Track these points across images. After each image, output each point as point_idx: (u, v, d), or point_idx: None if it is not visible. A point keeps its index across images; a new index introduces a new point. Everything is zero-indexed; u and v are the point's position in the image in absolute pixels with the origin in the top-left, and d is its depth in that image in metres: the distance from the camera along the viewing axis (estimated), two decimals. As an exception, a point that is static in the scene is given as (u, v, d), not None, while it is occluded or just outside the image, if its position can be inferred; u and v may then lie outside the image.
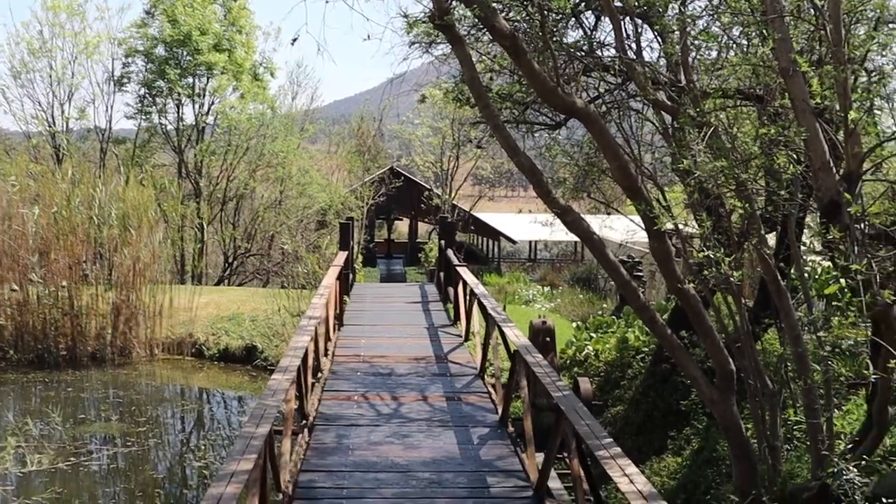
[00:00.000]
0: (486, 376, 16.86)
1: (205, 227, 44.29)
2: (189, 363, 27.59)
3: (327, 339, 18.65)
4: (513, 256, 66.10)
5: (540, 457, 11.31)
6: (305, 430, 13.20)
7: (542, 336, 14.32)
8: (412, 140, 53.20)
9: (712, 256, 8.24)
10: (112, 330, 27.73)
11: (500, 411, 14.18)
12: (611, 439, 8.83)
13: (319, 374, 16.41)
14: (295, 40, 9.97)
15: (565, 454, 12.33)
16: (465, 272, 22.50)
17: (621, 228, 13.42)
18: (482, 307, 18.07)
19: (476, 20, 10.40)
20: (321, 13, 10.64)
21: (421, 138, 51.17)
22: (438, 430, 13.57)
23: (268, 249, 46.18)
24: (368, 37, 10.40)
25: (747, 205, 8.49)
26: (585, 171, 11.22)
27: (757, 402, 9.69)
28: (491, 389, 15.81)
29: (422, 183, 54.41)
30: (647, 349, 16.52)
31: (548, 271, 54.77)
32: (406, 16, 11.03)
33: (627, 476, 7.65)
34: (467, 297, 21.46)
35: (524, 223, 64.65)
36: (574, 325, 23.42)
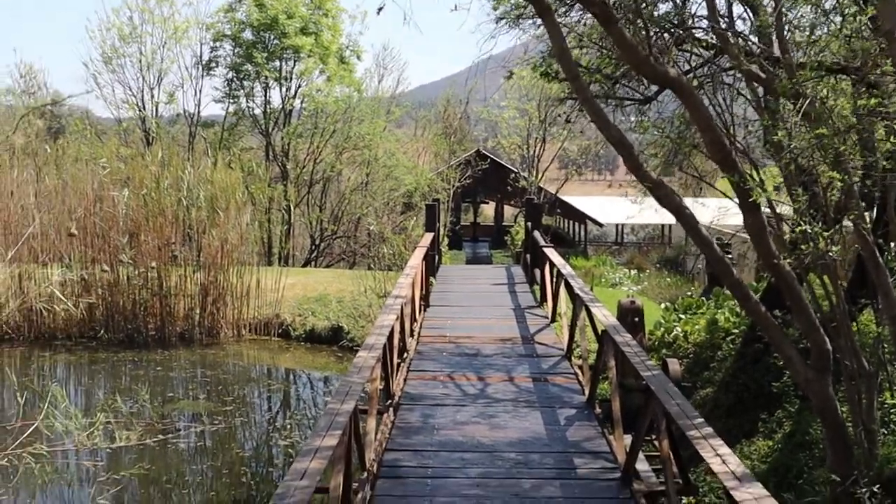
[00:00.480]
0: (572, 358, 16.76)
1: (292, 209, 44.59)
2: (276, 344, 27.75)
3: (413, 319, 18.59)
4: (599, 240, 65.57)
5: (628, 438, 11.17)
6: (391, 409, 13.17)
7: (630, 316, 14.08)
8: (498, 122, 53.00)
9: (809, 231, 7.95)
10: (200, 310, 27.99)
11: (587, 392, 14.08)
12: (702, 419, 8.62)
13: (405, 354, 16.38)
14: (381, 9, 9.83)
15: (653, 436, 12.23)
16: (551, 253, 22.29)
17: (711, 207, 13.18)
18: (569, 287, 17.93)
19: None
20: (407, -13, 10.49)
21: (507, 120, 50.93)
22: (525, 410, 13.47)
23: (354, 232, 46.34)
24: (455, 7, 10.27)
25: (846, 177, 8.18)
26: (677, 145, 10.94)
27: (853, 384, 9.42)
28: (578, 371, 15.72)
29: (508, 165, 54.22)
30: (737, 331, 16.17)
31: (634, 254, 54.28)
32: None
33: (720, 456, 7.43)
34: (554, 279, 21.33)
35: (611, 206, 64.22)
36: (662, 306, 23.09)
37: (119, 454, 17.00)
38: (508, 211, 64.97)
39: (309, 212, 46.40)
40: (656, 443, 12.11)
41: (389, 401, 13.42)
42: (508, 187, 49.29)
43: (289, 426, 20.17)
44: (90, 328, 27.61)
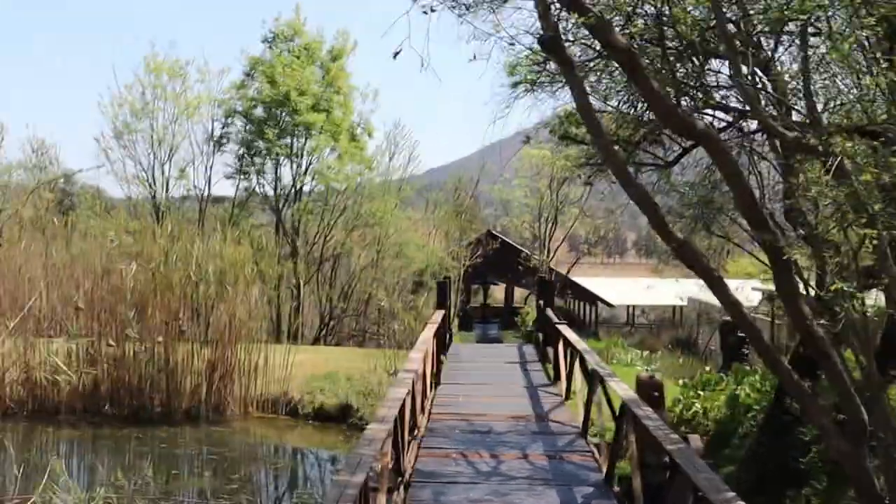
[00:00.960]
0: (588, 436, 16.37)
1: (301, 286, 44.31)
2: (283, 421, 27.25)
3: (424, 396, 18.25)
4: (610, 322, 65.30)
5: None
6: (401, 487, 12.70)
7: (650, 390, 13.65)
8: (510, 201, 52.91)
9: (845, 289, 7.54)
10: (207, 387, 27.53)
11: (604, 470, 13.66)
12: (734, 494, 8.17)
13: (416, 431, 16.01)
14: (397, 54, 9.57)
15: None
16: (565, 329, 22.05)
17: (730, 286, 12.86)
18: (583, 362, 17.63)
19: (585, 47, 10.02)
20: (423, 31, 10.28)
21: (518, 199, 50.86)
22: (540, 488, 13.03)
23: (364, 310, 46.01)
24: (475, 56, 10.06)
25: (881, 234, 7.78)
26: (702, 209, 10.58)
27: (889, 457, 8.98)
28: (594, 448, 15.32)
29: (518, 246, 54.10)
30: (758, 407, 15.74)
31: (646, 336, 53.85)
32: (512, 43, 10.68)
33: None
34: (567, 356, 21.04)
35: (621, 287, 64.04)
36: (680, 382, 22.65)
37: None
38: (518, 293, 64.75)
39: (319, 289, 46.13)
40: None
41: (400, 478, 12.95)
42: (519, 266, 49.00)
43: (295, 506, 19.66)
44: (94, 403, 27.07)
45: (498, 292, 71.59)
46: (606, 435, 14.89)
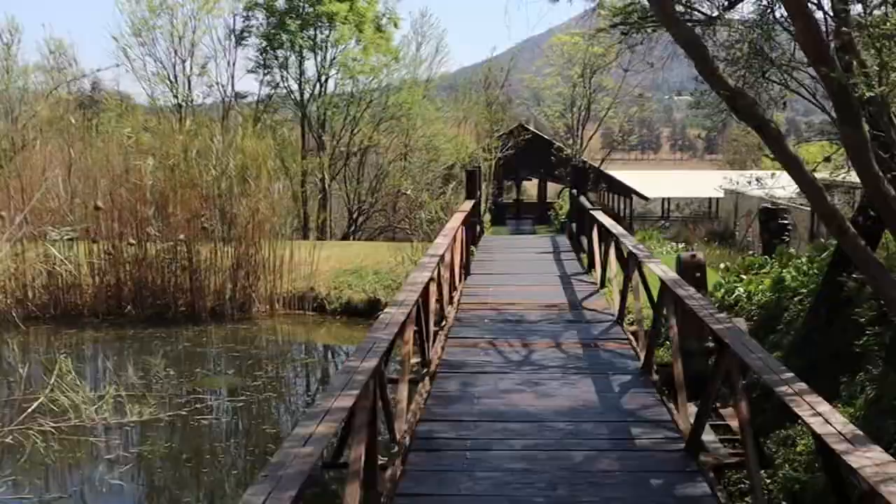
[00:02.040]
0: (625, 323, 15.70)
1: (327, 180, 43.41)
2: (310, 318, 26.62)
3: (452, 287, 17.57)
4: (645, 216, 64.22)
5: (691, 407, 9.87)
6: (426, 378, 12.03)
7: (693, 270, 12.73)
8: (541, 91, 51.40)
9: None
10: (232, 285, 26.90)
11: (642, 358, 12.89)
12: (792, 373, 7.26)
13: (443, 322, 15.34)
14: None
15: (719, 404, 10.95)
16: (600, 215, 21.35)
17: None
18: (619, 247, 17.06)
19: None
20: None
21: (550, 87, 49.41)
22: (575, 377, 12.32)
23: (393, 204, 44.96)
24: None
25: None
26: (751, 60, 9.43)
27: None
28: (631, 336, 14.60)
29: (551, 139, 52.90)
30: (805, 290, 14.76)
31: (682, 229, 52.78)
32: None
33: (821, 415, 6.09)
34: (602, 243, 20.35)
35: (657, 180, 62.98)
36: (722, 265, 21.72)
37: (140, 430, 16.05)
38: (552, 189, 63.73)
39: (346, 185, 45.19)
40: (722, 411, 10.90)
41: (425, 369, 12.33)
42: (552, 159, 47.79)
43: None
44: (117, 305, 26.57)
45: (531, 189, 70.69)
46: (644, 323, 14.15)
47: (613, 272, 18.08)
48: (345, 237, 43.20)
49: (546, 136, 54.54)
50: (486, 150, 43.92)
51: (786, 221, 28.26)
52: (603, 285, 19.42)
